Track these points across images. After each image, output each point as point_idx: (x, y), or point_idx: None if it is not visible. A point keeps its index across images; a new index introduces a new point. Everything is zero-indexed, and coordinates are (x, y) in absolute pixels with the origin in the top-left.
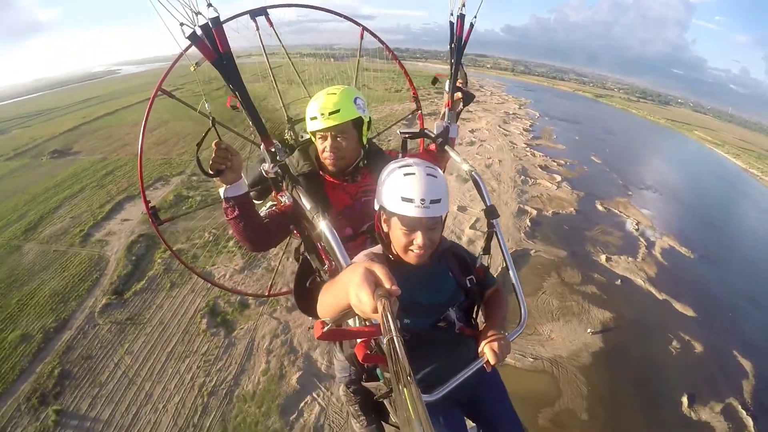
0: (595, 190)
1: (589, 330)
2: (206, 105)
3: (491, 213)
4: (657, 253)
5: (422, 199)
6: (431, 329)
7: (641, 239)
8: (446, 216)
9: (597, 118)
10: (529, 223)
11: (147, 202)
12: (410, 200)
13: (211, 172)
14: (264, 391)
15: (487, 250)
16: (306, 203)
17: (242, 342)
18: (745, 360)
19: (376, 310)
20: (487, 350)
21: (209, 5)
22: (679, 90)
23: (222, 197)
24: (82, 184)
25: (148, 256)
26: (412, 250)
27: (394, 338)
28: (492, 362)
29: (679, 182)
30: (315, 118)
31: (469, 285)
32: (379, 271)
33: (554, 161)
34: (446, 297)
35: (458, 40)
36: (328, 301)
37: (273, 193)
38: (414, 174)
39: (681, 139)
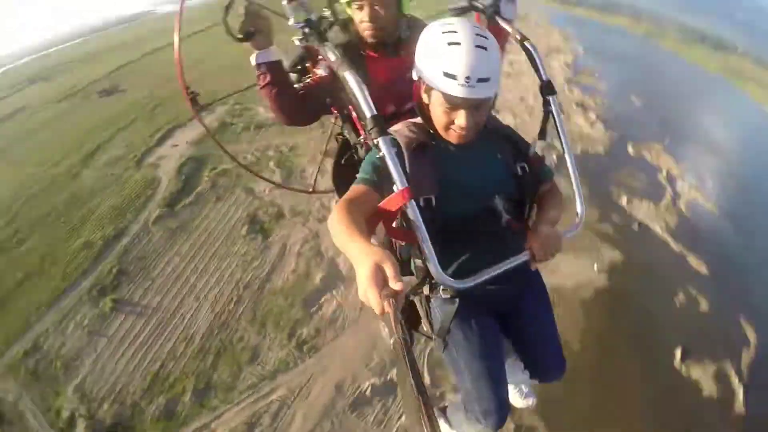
0: (630, 132)
1: (596, 266)
2: None
3: (548, 89)
4: (681, 205)
5: (467, 77)
6: (474, 217)
7: (668, 187)
8: (497, 94)
9: (644, 58)
10: (555, 159)
11: (186, 87)
12: (453, 77)
13: (240, 36)
14: (291, 287)
15: (542, 134)
16: (331, 55)
17: (276, 246)
18: (750, 329)
19: (383, 311)
20: (534, 244)
21: None
22: (743, 36)
23: (254, 64)
24: (132, 117)
25: (197, 175)
26: (453, 130)
27: (401, 338)
28: (538, 258)
29: (720, 136)
30: None
31: (521, 173)
32: (388, 268)
33: (592, 99)
34: (493, 182)
35: None
36: (338, 244)
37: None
38: (460, 44)
39: (731, 90)
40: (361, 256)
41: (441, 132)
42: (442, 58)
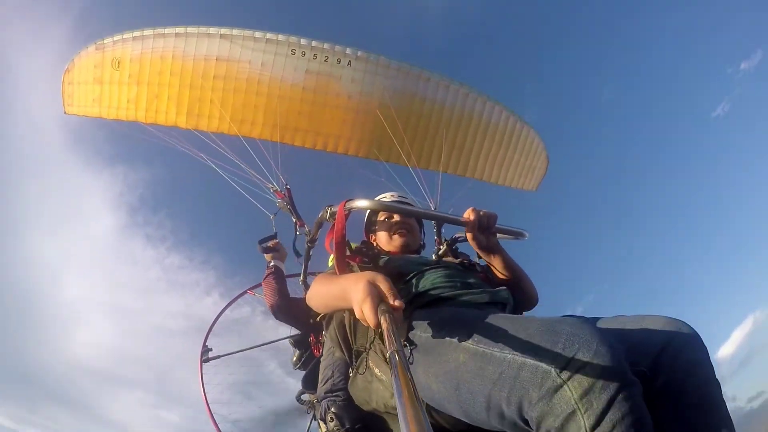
0: None
1: None
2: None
3: None
4: None
5: (392, 195)
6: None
7: None
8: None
9: None
10: None
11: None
12: (384, 197)
13: (269, 245)
14: None
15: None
16: None
17: None
18: None
19: (379, 326)
20: (469, 210)
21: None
22: None
23: (269, 265)
24: None
25: None
26: (395, 232)
27: (397, 352)
28: (473, 220)
29: None
30: None
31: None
32: (383, 285)
33: None
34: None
35: None
36: (325, 297)
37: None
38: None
39: None
40: (351, 280)
41: (387, 244)
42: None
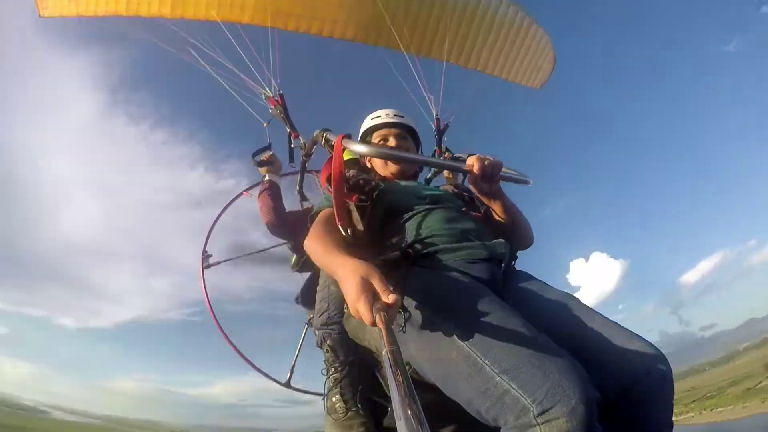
0: None
1: None
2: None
3: None
4: None
5: (387, 113)
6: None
7: None
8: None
9: None
10: None
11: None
12: (378, 116)
13: (264, 158)
14: None
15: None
16: None
17: None
18: None
19: (374, 324)
20: (473, 157)
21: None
22: None
23: (265, 179)
24: None
25: None
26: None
27: (394, 350)
28: (476, 168)
29: None
30: None
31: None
32: (377, 282)
33: None
34: (442, 194)
35: None
36: (321, 264)
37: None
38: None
39: None
40: (344, 271)
41: (382, 169)
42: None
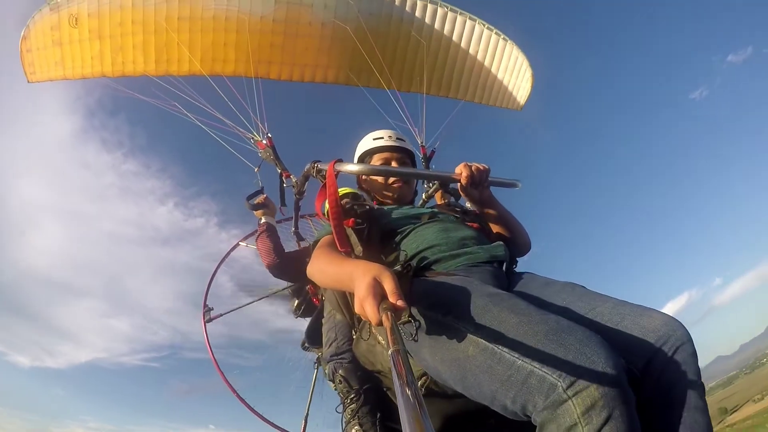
0: None
1: None
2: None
3: None
4: None
5: (390, 136)
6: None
7: None
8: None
9: None
10: None
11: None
12: (380, 137)
13: (257, 203)
14: None
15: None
16: None
17: None
18: None
19: (380, 323)
20: (462, 166)
21: None
22: None
23: (261, 222)
24: None
25: None
26: (392, 183)
27: (400, 350)
28: (465, 176)
29: None
30: None
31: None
32: (387, 283)
33: None
34: (436, 211)
35: None
36: (328, 279)
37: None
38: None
39: None
40: (358, 271)
41: (382, 194)
42: (369, 138)
